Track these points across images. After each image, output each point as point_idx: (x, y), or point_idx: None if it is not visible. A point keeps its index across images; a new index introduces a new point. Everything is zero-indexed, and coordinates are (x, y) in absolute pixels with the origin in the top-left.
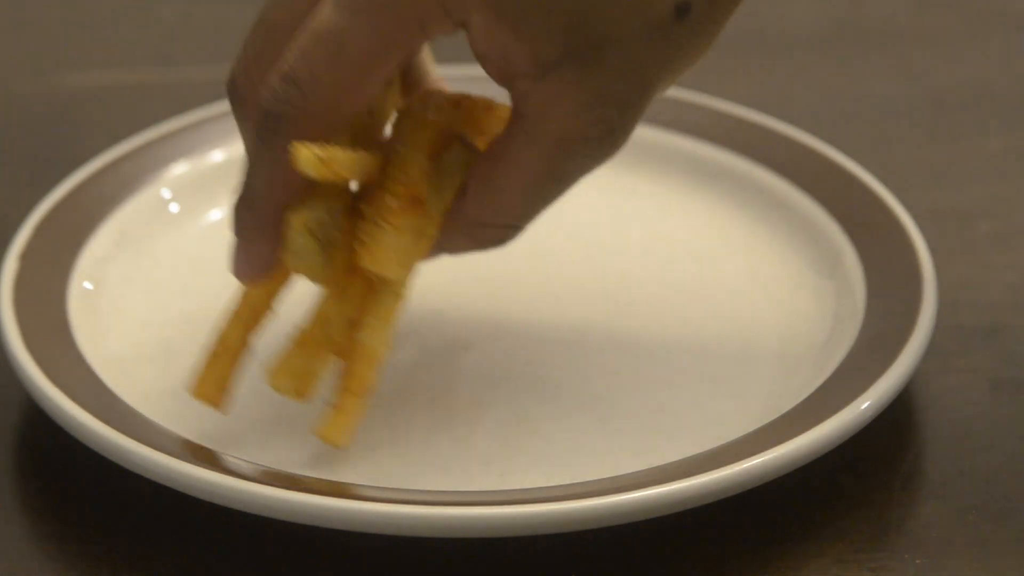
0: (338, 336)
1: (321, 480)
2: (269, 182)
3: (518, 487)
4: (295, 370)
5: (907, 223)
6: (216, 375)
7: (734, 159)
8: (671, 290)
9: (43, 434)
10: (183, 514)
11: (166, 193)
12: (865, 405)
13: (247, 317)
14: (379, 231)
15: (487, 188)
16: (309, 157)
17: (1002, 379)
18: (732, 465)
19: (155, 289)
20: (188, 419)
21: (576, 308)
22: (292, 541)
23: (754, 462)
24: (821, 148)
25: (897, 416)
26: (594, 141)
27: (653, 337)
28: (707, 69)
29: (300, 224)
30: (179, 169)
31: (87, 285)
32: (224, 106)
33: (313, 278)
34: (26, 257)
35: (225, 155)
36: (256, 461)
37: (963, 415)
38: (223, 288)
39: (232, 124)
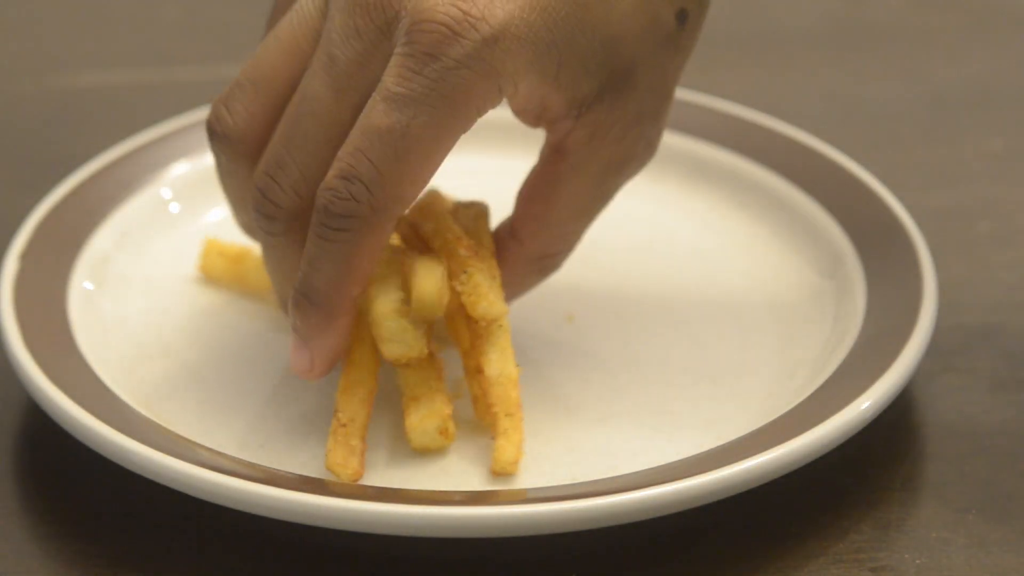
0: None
1: (321, 480)
2: (337, 277)
3: (518, 487)
4: (431, 417)
5: (907, 223)
6: (345, 448)
7: (734, 159)
8: (671, 290)
9: (44, 434)
10: (183, 514)
11: (166, 193)
12: (865, 405)
13: (361, 393)
14: (470, 278)
15: (544, 224)
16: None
17: (1002, 379)
18: (732, 465)
19: (155, 289)
20: (188, 419)
21: (575, 308)
22: (292, 541)
23: (754, 462)
24: (821, 148)
25: (897, 416)
26: (638, 155)
27: (653, 337)
28: (708, 69)
29: (387, 311)
30: (179, 169)
31: (87, 285)
32: None
33: (411, 358)
34: (26, 257)
35: None
36: (256, 461)
37: (963, 415)
38: (223, 288)
39: None
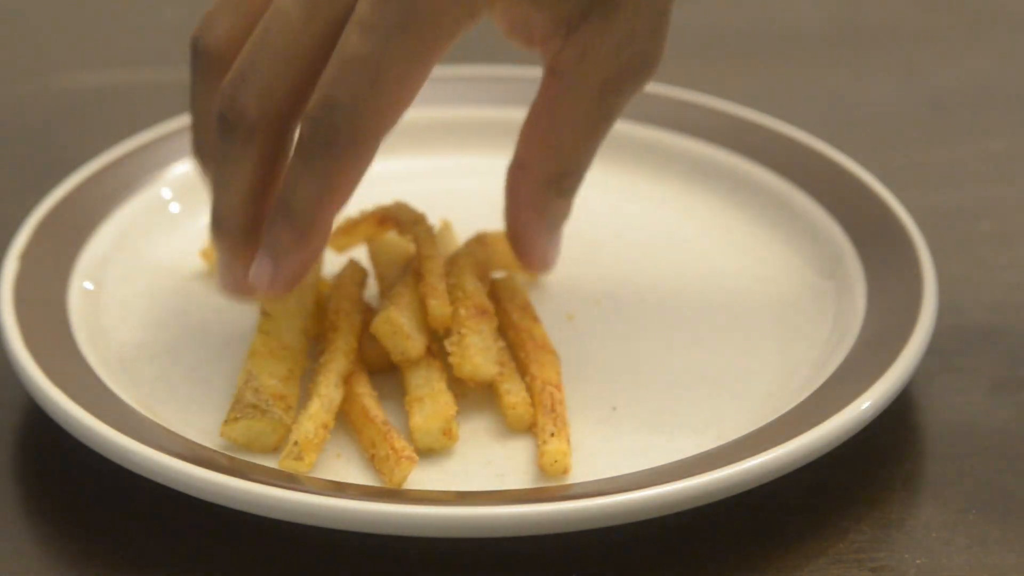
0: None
1: (321, 480)
2: (316, 198)
3: (517, 487)
4: (435, 418)
5: (907, 223)
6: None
7: (734, 159)
8: (671, 290)
9: (44, 434)
10: (183, 514)
11: (166, 193)
12: (865, 405)
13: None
14: (461, 339)
15: (547, 147)
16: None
17: (1002, 379)
18: (732, 465)
19: (155, 289)
20: (188, 419)
21: (575, 308)
22: (292, 541)
23: (754, 462)
24: (821, 148)
25: (897, 416)
26: (636, 73)
27: (653, 337)
28: (707, 69)
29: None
30: (179, 169)
31: (87, 285)
32: None
33: (409, 358)
34: (26, 257)
35: None
36: (256, 461)
37: (963, 415)
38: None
39: None
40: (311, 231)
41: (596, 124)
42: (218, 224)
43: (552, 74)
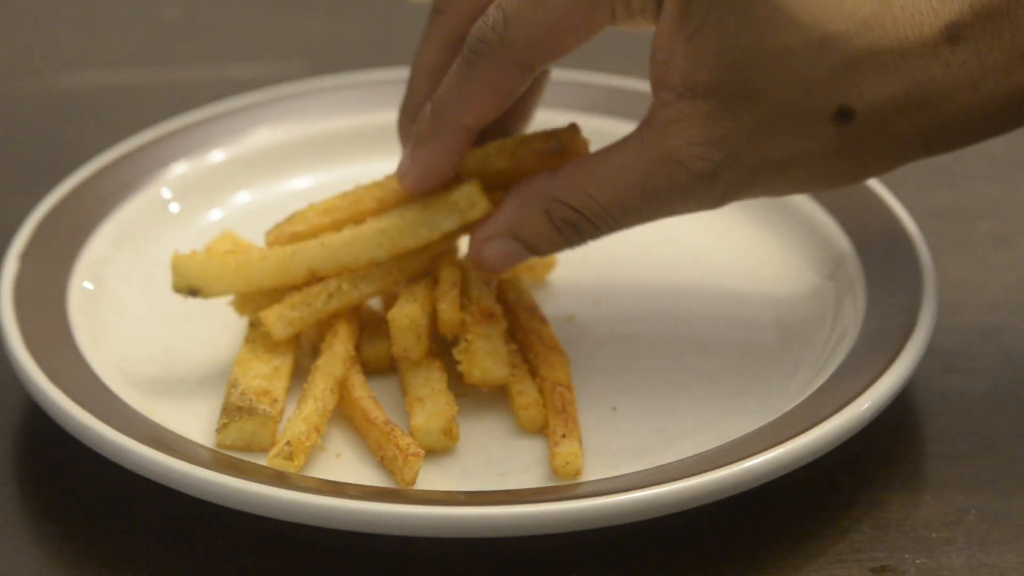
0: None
1: (320, 480)
2: (454, 97)
3: (517, 487)
4: (436, 418)
5: (907, 223)
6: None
7: None
8: (671, 290)
9: (43, 434)
10: (183, 514)
11: (166, 193)
12: (865, 405)
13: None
14: (468, 346)
15: (580, 169)
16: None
17: (1002, 379)
18: (732, 465)
19: (155, 289)
20: (188, 419)
21: (575, 308)
22: (291, 541)
23: (754, 462)
24: None
25: (897, 416)
26: (693, 176)
27: (653, 337)
28: None
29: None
30: (179, 169)
31: (87, 285)
32: (224, 106)
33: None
34: (26, 257)
35: (225, 155)
36: (256, 461)
37: (963, 415)
38: None
39: (232, 124)
40: (443, 129)
41: (630, 189)
42: (402, 107)
43: (644, 124)
